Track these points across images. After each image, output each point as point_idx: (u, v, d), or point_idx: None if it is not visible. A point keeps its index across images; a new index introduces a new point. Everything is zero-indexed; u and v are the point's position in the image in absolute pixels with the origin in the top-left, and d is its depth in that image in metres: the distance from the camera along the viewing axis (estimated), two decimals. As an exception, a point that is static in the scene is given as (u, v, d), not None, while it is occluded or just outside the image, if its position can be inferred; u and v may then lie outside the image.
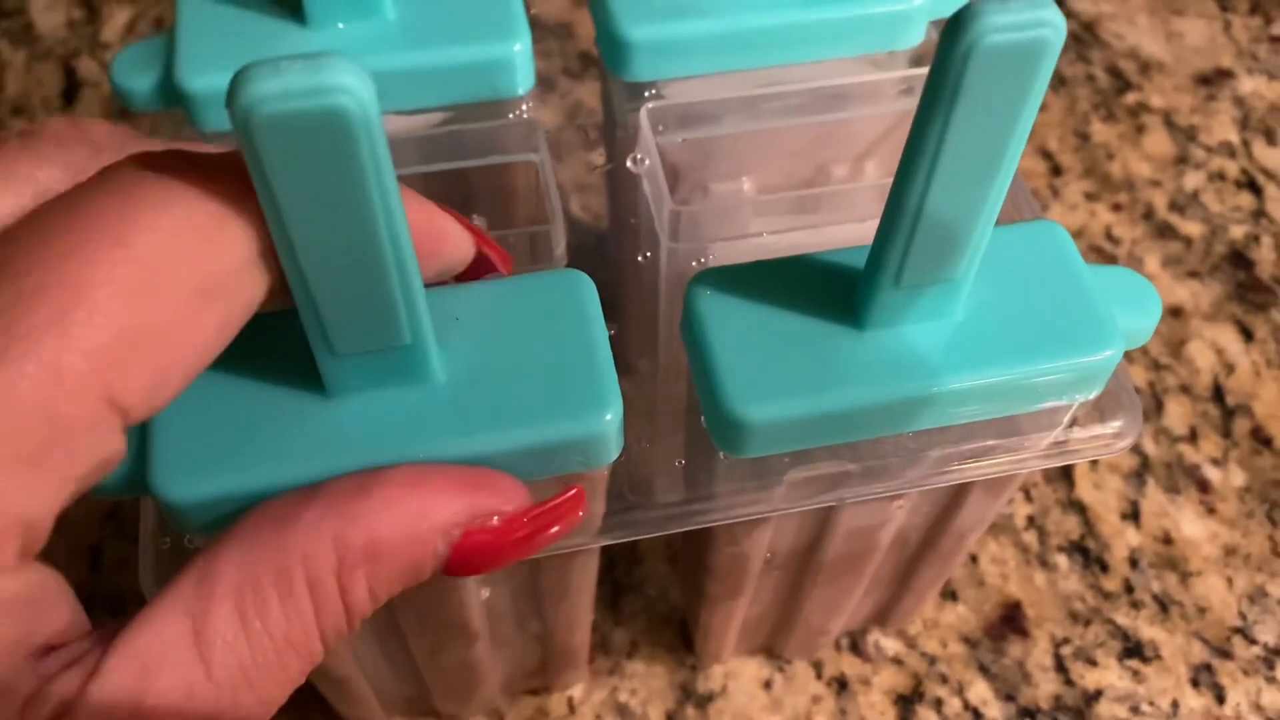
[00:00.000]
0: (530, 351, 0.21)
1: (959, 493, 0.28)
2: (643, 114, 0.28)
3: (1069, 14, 0.53)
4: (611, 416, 0.20)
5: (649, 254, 0.28)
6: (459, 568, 0.19)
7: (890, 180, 0.28)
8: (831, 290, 0.23)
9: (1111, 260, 0.46)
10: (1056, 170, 0.49)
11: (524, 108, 0.29)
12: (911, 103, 0.30)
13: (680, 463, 0.25)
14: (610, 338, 0.27)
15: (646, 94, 0.29)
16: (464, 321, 0.21)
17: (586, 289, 0.22)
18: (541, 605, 0.30)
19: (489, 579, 0.28)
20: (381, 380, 0.20)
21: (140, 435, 0.20)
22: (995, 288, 0.23)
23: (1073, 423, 0.24)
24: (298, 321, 0.19)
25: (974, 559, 0.39)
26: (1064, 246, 0.23)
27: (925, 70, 0.29)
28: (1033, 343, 0.22)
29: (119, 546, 0.38)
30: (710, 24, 0.28)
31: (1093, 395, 0.23)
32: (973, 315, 0.22)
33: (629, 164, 0.28)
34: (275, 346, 0.20)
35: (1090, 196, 0.48)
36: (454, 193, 0.30)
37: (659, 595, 0.38)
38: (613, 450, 0.21)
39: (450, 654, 0.30)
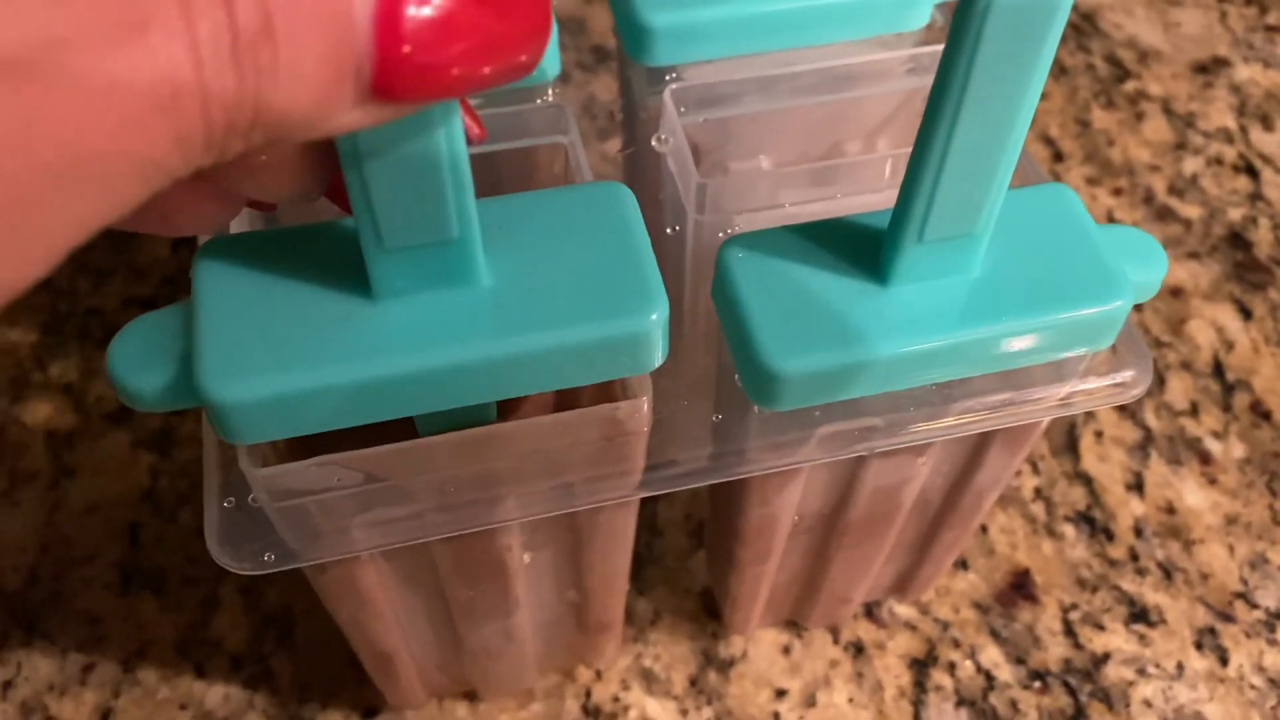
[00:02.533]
0: (574, 257, 0.21)
1: (979, 448, 0.29)
2: (666, 95, 0.29)
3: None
4: (657, 316, 0.21)
5: (677, 227, 0.29)
6: (393, 70, 0.15)
7: (900, 151, 0.29)
8: (856, 250, 0.24)
9: (1112, 242, 0.47)
10: (1058, 156, 0.50)
11: (550, 93, 0.31)
12: (919, 81, 0.31)
13: (717, 417, 0.26)
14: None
15: (667, 77, 0.31)
16: (507, 229, 0.22)
17: (627, 198, 0.22)
18: (580, 569, 0.31)
19: (530, 542, 0.29)
20: (427, 281, 0.21)
21: (185, 341, 0.20)
22: (1010, 245, 0.24)
23: (1087, 374, 0.26)
24: (346, 229, 0.20)
25: (984, 529, 0.40)
26: (1073, 207, 0.25)
27: (932, 49, 0.31)
28: (1048, 295, 0.23)
29: (156, 525, 0.40)
30: (727, 9, 0.29)
31: (1105, 346, 0.24)
32: (990, 270, 0.24)
33: (654, 143, 0.30)
34: (322, 253, 0.21)
35: (1091, 181, 0.49)
36: (483, 176, 0.31)
37: (679, 566, 0.39)
38: (658, 353, 0.22)
39: (492, 624, 0.31)
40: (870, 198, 0.29)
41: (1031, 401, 0.26)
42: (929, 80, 0.30)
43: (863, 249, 0.24)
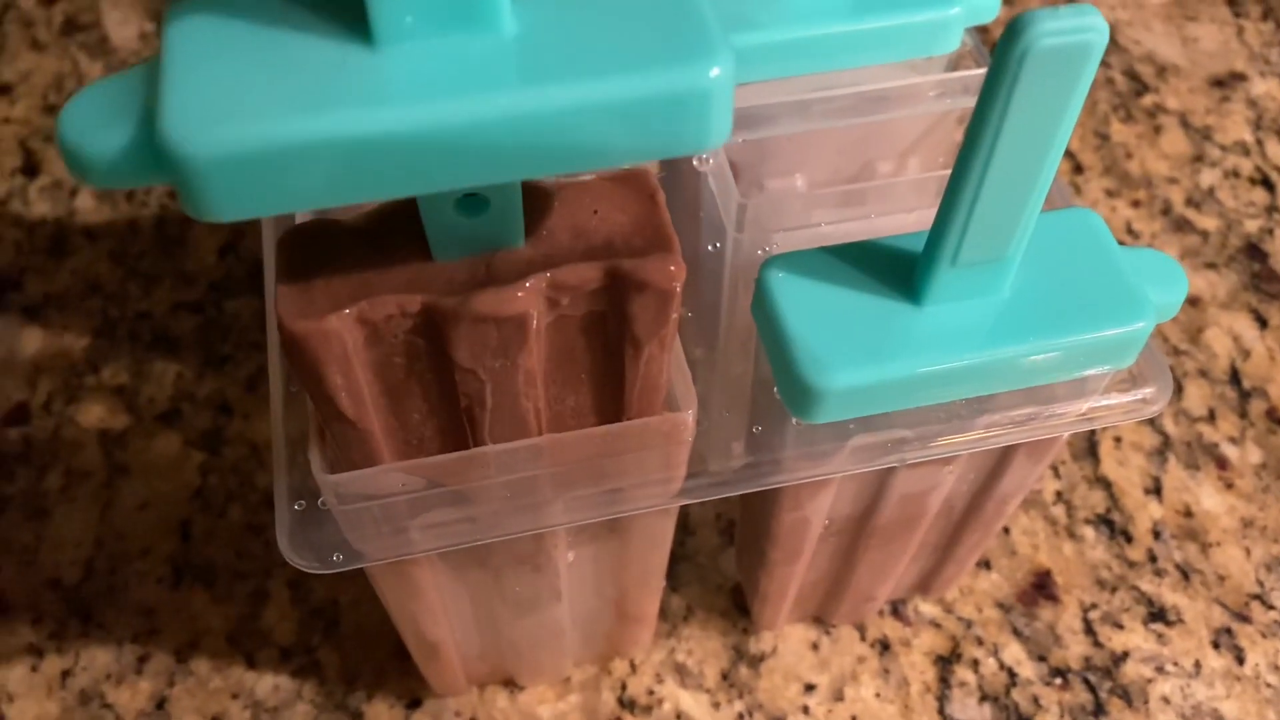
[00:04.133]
0: (617, 5, 0.18)
1: (1003, 458, 0.30)
2: (708, 115, 0.31)
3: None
4: (720, 71, 0.17)
5: (717, 244, 0.31)
6: None
7: (930, 174, 0.31)
8: (891, 271, 0.25)
9: (1132, 253, 0.48)
10: (1078, 168, 0.51)
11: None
12: (949, 104, 0.32)
13: (757, 428, 0.28)
14: (689, 320, 0.30)
15: (707, 98, 0.32)
16: None
17: None
18: (620, 567, 0.32)
19: (575, 541, 0.30)
20: (439, 20, 0.18)
21: (151, 98, 0.17)
22: (1038, 267, 0.25)
23: (1109, 390, 0.27)
24: None
25: (1006, 530, 0.41)
26: (1098, 230, 0.26)
27: (961, 74, 0.32)
28: (1073, 316, 0.25)
29: (206, 520, 0.41)
30: (765, 35, 0.31)
31: (1127, 364, 0.26)
32: (1019, 292, 0.25)
33: (695, 163, 0.31)
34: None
35: (1110, 193, 0.50)
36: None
37: (710, 564, 0.41)
38: (719, 124, 0.18)
39: (535, 616, 0.33)
40: (902, 218, 0.30)
41: (1055, 416, 0.27)
42: (958, 103, 0.32)
43: (897, 270, 0.25)
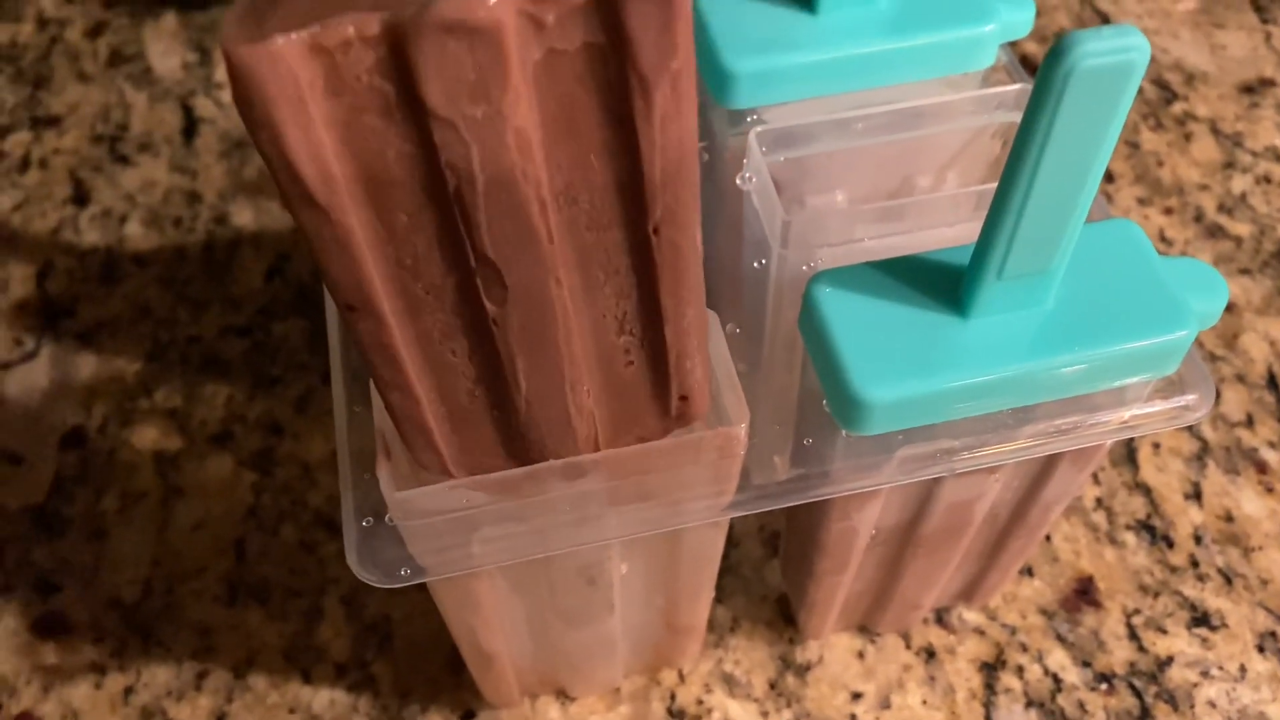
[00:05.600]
0: None
1: (1048, 466, 0.31)
2: (751, 137, 0.31)
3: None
4: None
5: (761, 261, 0.32)
6: None
7: (969, 189, 0.31)
8: (936, 284, 0.26)
9: (1165, 260, 0.49)
10: (1109, 177, 0.52)
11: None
12: (985, 119, 0.33)
13: (808, 441, 0.28)
14: (735, 336, 0.31)
15: (748, 119, 0.33)
16: None
17: None
18: (671, 579, 0.33)
19: (627, 554, 0.31)
20: None
21: None
22: (1081, 278, 0.26)
23: (1152, 397, 0.28)
24: None
25: (1048, 538, 0.42)
26: (1138, 240, 0.27)
27: (997, 89, 0.33)
28: (1116, 325, 0.25)
29: (260, 539, 0.42)
30: (805, 55, 0.31)
31: (1170, 372, 0.26)
32: (1063, 303, 0.26)
33: (738, 181, 0.32)
34: None
35: (1142, 201, 0.51)
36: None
37: (755, 576, 0.41)
38: None
39: (588, 628, 0.33)
40: (943, 232, 0.31)
41: (1099, 424, 0.28)
42: (995, 118, 0.32)
43: (942, 283, 0.26)
